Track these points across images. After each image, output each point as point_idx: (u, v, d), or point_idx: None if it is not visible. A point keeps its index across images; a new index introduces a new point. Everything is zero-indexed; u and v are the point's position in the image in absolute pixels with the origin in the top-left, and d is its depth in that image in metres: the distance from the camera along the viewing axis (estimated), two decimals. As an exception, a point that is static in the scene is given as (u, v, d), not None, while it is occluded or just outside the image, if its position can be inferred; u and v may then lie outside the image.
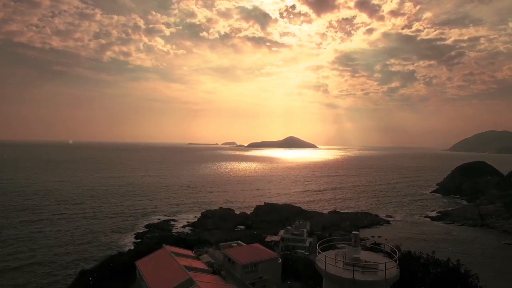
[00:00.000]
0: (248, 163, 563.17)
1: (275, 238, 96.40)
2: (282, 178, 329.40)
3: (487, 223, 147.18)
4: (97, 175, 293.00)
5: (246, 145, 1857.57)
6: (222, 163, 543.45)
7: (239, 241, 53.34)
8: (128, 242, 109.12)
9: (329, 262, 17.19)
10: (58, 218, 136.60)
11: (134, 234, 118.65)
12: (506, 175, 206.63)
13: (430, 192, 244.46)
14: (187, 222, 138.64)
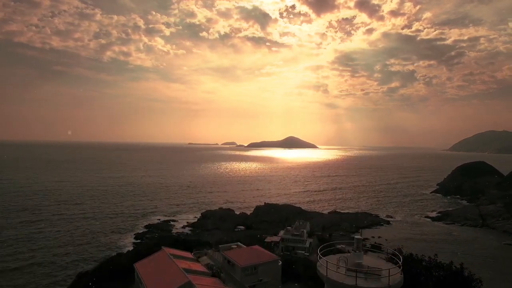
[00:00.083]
0: (248, 163, 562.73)
1: (275, 238, 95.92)
2: (282, 178, 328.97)
3: (487, 224, 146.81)
4: (97, 175, 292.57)
5: (246, 145, 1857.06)
6: (222, 163, 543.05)
7: (239, 243, 52.97)
8: (127, 242, 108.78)
9: (331, 267, 16.82)
10: (58, 218, 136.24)
11: (134, 234, 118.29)
12: (506, 175, 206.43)
13: (430, 192, 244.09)
14: (187, 222, 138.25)
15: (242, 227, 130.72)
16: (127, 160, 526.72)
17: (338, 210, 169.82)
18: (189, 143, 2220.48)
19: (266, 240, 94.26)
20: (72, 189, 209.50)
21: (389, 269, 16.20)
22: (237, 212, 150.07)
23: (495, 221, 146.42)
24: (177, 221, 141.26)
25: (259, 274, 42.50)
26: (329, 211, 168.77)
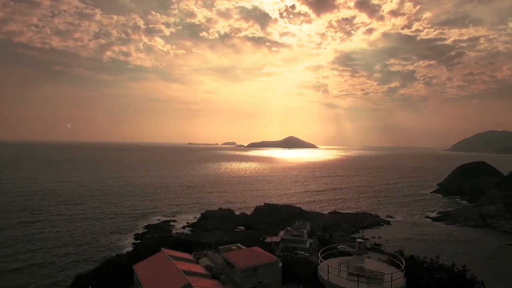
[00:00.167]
0: (248, 163, 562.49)
1: (275, 239, 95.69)
2: (282, 178, 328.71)
3: (488, 224, 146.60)
4: (97, 175, 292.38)
5: (246, 145, 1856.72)
6: (222, 163, 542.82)
7: (239, 244, 52.72)
8: (127, 243, 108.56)
9: (332, 271, 16.54)
10: (58, 218, 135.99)
11: (134, 235, 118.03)
12: (506, 175, 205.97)
13: (431, 193, 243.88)
14: (187, 222, 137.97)
15: (242, 228, 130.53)
16: (127, 160, 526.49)
17: (338, 210, 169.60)
18: (189, 143, 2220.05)
19: (266, 240, 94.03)
20: (72, 189, 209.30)
21: (391, 273, 15.92)
22: (237, 213, 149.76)
23: (495, 221, 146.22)
24: (177, 221, 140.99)
25: (259, 275, 42.26)
26: (329, 211, 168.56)
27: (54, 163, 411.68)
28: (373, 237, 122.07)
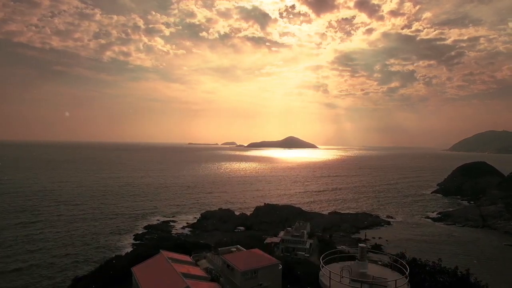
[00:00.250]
0: (248, 163, 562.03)
1: (275, 239, 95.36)
2: (282, 178, 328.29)
3: (488, 224, 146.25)
4: (97, 175, 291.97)
5: (246, 145, 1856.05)
6: (222, 163, 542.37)
7: (239, 246, 52.28)
8: (127, 243, 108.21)
9: (334, 278, 16.11)
10: (58, 219, 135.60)
11: (133, 235, 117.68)
12: (507, 175, 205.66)
13: (431, 193, 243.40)
14: (187, 223, 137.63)
15: (242, 228, 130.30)
16: (127, 160, 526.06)
17: (338, 211, 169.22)
18: (189, 143, 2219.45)
19: (266, 241, 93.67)
20: (71, 189, 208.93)
21: (395, 280, 15.47)
22: (237, 213, 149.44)
23: (496, 222, 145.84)
24: (177, 221, 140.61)
25: (259, 278, 41.84)
26: (329, 211, 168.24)
27: (54, 163, 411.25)
28: (374, 238, 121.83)
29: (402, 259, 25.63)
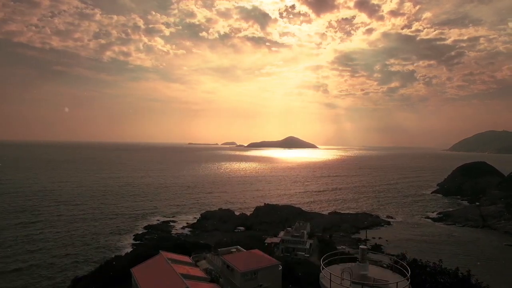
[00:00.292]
0: (248, 163, 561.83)
1: (275, 239, 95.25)
2: (282, 178, 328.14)
3: (488, 224, 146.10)
4: (97, 175, 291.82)
5: (246, 145, 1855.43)
6: (222, 163, 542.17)
7: (238, 246, 52.14)
8: (127, 244, 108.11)
9: (334, 280, 15.99)
10: (58, 219, 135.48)
11: (133, 235, 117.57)
12: (507, 175, 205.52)
13: (431, 193, 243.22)
14: (187, 223, 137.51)
15: (242, 228, 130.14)
16: (127, 160, 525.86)
17: (338, 211, 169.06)
18: (189, 143, 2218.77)
19: (266, 241, 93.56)
20: (72, 189, 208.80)
21: (396, 282, 15.35)
22: (237, 213, 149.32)
23: (496, 222, 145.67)
24: (177, 222, 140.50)
25: (259, 279, 41.73)
26: (329, 211, 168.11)
27: (54, 163, 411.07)
28: (374, 238, 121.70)
29: (403, 260, 25.51)
